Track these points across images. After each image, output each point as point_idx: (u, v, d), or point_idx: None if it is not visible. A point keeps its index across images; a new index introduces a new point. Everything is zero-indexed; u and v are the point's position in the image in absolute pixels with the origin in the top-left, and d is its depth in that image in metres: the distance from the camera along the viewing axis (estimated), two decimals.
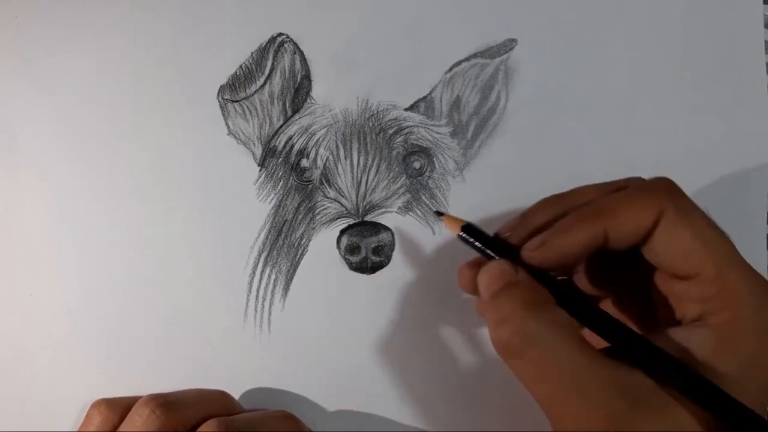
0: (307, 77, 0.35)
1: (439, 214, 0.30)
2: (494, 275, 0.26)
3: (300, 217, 0.35)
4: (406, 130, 0.35)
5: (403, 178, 0.35)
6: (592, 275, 0.29)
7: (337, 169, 0.35)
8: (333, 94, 0.35)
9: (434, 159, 0.35)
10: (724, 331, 0.24)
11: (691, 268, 0.25)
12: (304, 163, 0.35)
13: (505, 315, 0.25)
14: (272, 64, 0.35)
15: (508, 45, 0.35)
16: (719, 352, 0.24)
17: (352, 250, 0.34)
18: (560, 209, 0.27)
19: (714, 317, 0.24)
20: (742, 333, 0.24)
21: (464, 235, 0.28)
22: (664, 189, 0.26)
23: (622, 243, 0.26)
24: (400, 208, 0.35)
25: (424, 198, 0.35)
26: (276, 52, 0.35)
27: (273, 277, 0.35)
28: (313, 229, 0.35)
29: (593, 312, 0.26)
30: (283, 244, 0.35)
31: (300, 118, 0.35)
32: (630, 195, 0.26)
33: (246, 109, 0.35)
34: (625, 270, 0.29)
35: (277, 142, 0.35)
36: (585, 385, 0.23)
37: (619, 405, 0.23)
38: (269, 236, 0.35)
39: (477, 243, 0.27)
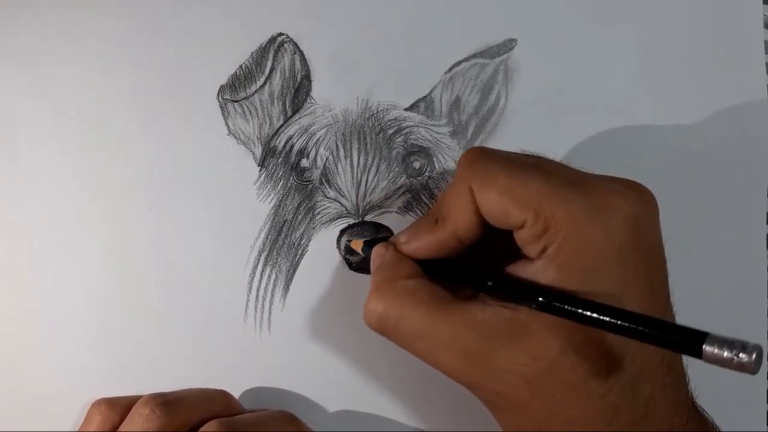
0: (307, 77, 0.35)
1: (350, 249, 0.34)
2: (373, 257, 0.30)
3: (300, 217, 0.35)
4: (406, 130, 0.35)
5: (403, 178, 0.35)
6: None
7: (337, 169, 0.35)
8: (333, 94, 0.35)
9: (434, 159, 0.35)
10: (559, 257, 0.25)
11: (515, 221, 0.26)
12: (304, 163, 0.35)
13: (367, 302, 0.28)
14: (272, 64, 0.35)
15: (508, 45, 0.35)
16: (560, 277, 0.25)
17: (352, 250, 0.34)
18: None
19: (550, 248, 0.25)
20: (574, 254, 0.25)
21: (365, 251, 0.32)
22: (465, 165, 0.27)
23: (472, 231, 0.27)
24: (400, 208, 0.35)
25: (424, 198, 0.35)
26: (276, 52, 0.35)
27: (273, 277, 0.35)
28: (313, 229, 0.35)
29: (451, 268, 0.28)
30: (283, 244, 0.35)
31: (300, 118, 0.35)
32: (449, 188, 0.28)
33: (246, 109, 0.35)
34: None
35: (277, 142, 0.35)
36: (439, 335, 0.26)
37: (472, 340, 0.26)
38: (269, 236, 0.35)
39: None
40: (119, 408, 0.31)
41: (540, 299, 0.25)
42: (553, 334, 0.25)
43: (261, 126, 0.35)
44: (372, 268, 0.30)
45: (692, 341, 0.21)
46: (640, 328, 0.22)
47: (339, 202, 0.35)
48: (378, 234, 0.34)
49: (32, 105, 0.35)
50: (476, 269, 0.27)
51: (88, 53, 0.35)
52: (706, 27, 0.36)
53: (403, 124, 0.35)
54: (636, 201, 0.26)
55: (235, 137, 0.35)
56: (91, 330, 0.34)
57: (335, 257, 0.35)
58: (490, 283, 0.26)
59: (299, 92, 0.35)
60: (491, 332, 0.25)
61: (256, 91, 0.35)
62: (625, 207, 0.25)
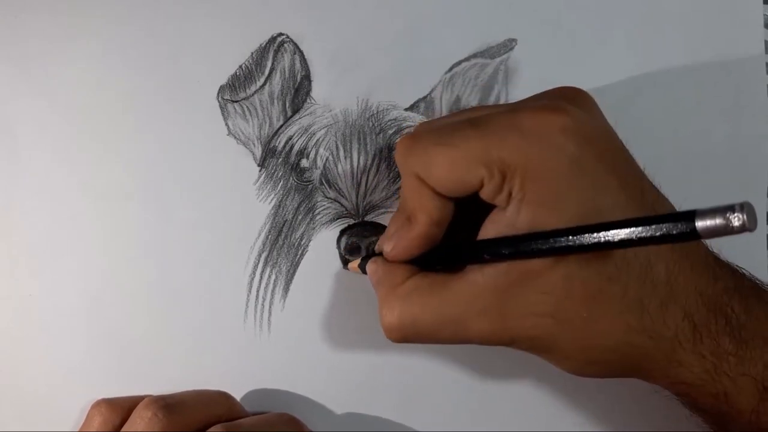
0: (307, 77, 0.35)
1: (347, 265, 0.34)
2: (370, 274, 0.30)
3: (300, 217, 0.35)
4: (406, 130, 0.35)
5: None
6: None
7: (337, 169, 0.35)
8: (333, 94, 0.35)
9: None
10: (524, 195, 0.25)
11: (472, 184, 0.26)
12: (304, 163, 0.35)
13: (382, 321, 0.28)
14: (272, 64, 0.35)
15: (508, 45, 0.35)
16: (534, 213, 0.25)
17: (352, 250, 0.34)
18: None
19: (513, 191, 0.25)
20: (536, 187, 0.25)
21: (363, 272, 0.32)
22: (403, 157, 0.28)
23: (443, 212, 0.28)
24: (363, 260, 0.35)
25: None
26: (276, 52, 0.35)
27: (273, 277, 0.35)
28: (313, 229, 0.35)
29: (442, 258, 0.29)
30: (283, 244, 0.35)
31: (300, 118, 0.35)
32: (402, 185, 0.29)
33: (246, 110, 0.35)
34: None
35: (277, 142, 0.35)
36: (454, 316, 0.27)
37: (485, 306, 0.26)
38: (269, 236, 0.35)
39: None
40: (120, 409, 0.31)
41: (532, 247, 0.25)
42: (552, 264, 0.25)
43: (261, 126, 0.35)
44: (373, 285, 0.30)
45: (683, 225, 0.21)
46: (629, 235, 0.22)
47: (339, 203, 0.35)
48: (378, 234, 0.34)
49: (32, 105, 0.35)
50: (466, 246, 0.28)
51: (88, 53, 0.35)
52: (706, 27, 0.36)
53: (403, 124, 0.35)
54: (573, 107, 0.26)
55: (235, 137, 0.35)
56: (91, 330, 0.34)
57: (335, 257, 0.35)
58: (486, 256, 0.26)
59: (299, 92, 0.35)
60: (498, 289, 0.26)
61: (256, 92, 0.35)
62: (563, 120, 0.25)
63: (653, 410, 0.34)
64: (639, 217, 0.22)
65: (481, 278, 0.26)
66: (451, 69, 0.35)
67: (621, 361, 0.27)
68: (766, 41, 0.36)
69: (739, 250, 0.28)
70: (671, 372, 0.26)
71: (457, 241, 0.28)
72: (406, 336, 0.28)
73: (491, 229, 0.26)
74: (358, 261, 0.33)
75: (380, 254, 0.30)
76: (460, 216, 0.28)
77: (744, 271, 0.28)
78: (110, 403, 0.32)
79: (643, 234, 0.22)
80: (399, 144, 0.28)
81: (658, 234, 0.22)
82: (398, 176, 0.35)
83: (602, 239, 0.23)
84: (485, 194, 0.26)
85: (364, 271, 0.31)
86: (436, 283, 0.27)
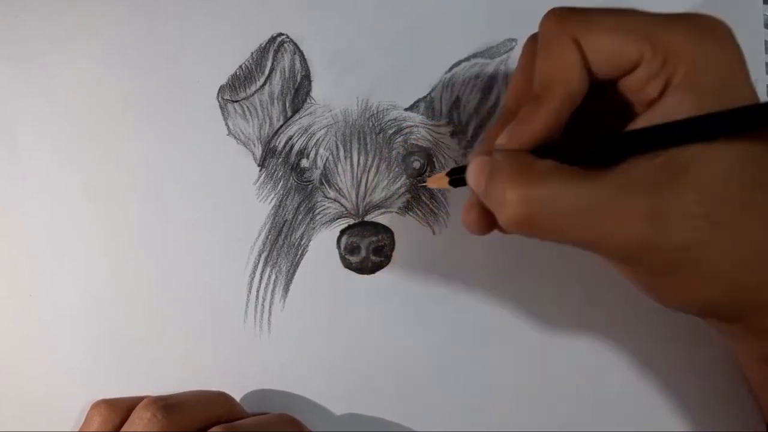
0: (307, 77, 0.35)
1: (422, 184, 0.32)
2: (477, 170, 0.26)
3: (300, 217, 0.35)
4: (405, 130, 0.35)
5: (403, 178, 0.35)
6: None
7: (337, 169, 0.35)
8: (333, 94, 0.35)
9: (434, 159, 0.35)
10: (690, 83, 0.24)
11: (630, 59, 0.25)
12: (304, 163, 0.35)
13: (500, 198, 0.24)
14: (272, 64, 0.35)
15: (508, 45, 0.35)
16: (699, 103, 0.24)
17: (352, 250, 0.34)
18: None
19: (676, 79, 0.24)
20: (705, 75, 0.24)
21: (454, 179, 0.28)
22: (557, 20, 0.26)
23: (583, 89, 0.26)
24: (400, 208, 0.35)
25: (424, 198, 0.35)
26: (276, 52, 0.35)
27: (273, 277, 0.35)
28: (313, 229, 0.35)
29: (576, 144, 0.26)
30: (283, 244, 0.35)
31: (300, 118, 0.35)
32: (543, 53, 0.26)
33: (246, 110, 0.35)
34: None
35: (277, 142, 0.35)
36: (603, 204, 0.23)
37: (640, 199, 0.23)
38: (269, 236, 0.35)
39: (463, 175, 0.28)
40: (119, 409, 0.31)
41: (701, 128, 0.23)
42: (712, 159, 0.24)
43: (261, 126, 0.35)
44: (482, 181, 0.26)
45: None
46: None
47: (339, 203, 0.35)
48: (378, 234, 0.34)
49: (32, 105, 0.35)
50: (620, 136, 0.25)
51: (88, 53, 0.35)
52: None
53: (403, 124, 0.35)
54: (723, 22, 0.25)
55: (235, 137, 0.35)
56: (91, 330, 0.34)
57: (335, 257, 0.35)
58: (647, 139, 0.24)
59: (299, 92, 0.35)
60: (654, 185, 0.23)
61: (256, 92, 0.35)
62: (722, 25, 0.25)
63: (653, 410, 0.34)
64: None
65: (637, 172, 0.24)
66: (451, 69, 0.35)
67: (762, 288, 0.24)
68: (766, 41, 0.36)
69: None
70: None
71: (605, 134, 0.26)
72: (534, 216, 0.24)
73: (645, 123, 0.25)
74: (442, 174, 0.29)
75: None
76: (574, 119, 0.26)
77: None
78: (110, 404, 0.32)
79: None
80: (552, 11, 0.26)
81: None
82: (398, 176, 0.35)
83: None
84: (636, 78, 0.25)
85: (456, 183, 0.28)
86: (579, 172, 0.24)
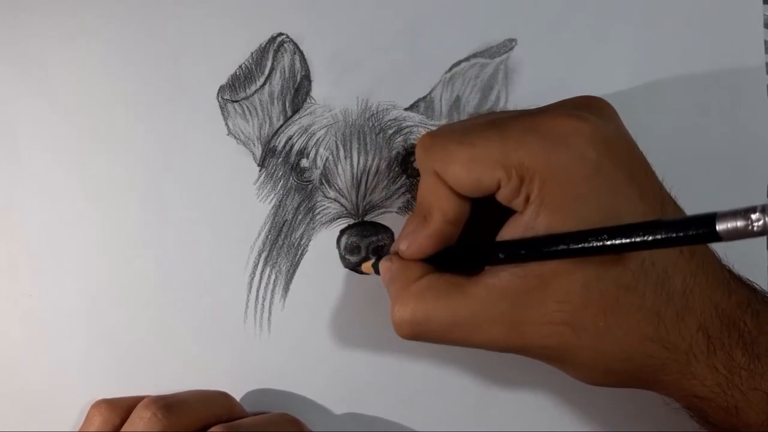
0: (306, 77, 0.35)
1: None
2: (383, 273, 0.30)
3: (300, 217, 0.35)
4: (406, 130, 0.35)
5: (402, 178, 0.35)
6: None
7: (336, 169, 0.35)
8: (333, 94, 0.35)
9: None
10: (543, 199, 0.25)
11: (489, 184, 0.26)
12: (304, 163, 0.35)
13: (391, 312, 0.28)
14: (272, 64, 0.35)
15: (508, 45, 0.35)
16: (552, 217, 0.25)
17: (352, 249, 0.34)
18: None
19: (532, 195, 0.26)
20: (556, 190, 0.25)
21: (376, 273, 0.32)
22: (423, 154, 0.28)
23: (459, 211, 0.28)
24: (400, 208, 0.35)
25: None
26: (276, 52, 0.35)
27: (273, 277, 0.35)
28: (313, 229, 0.35)
29: (458, 255, 0.29)
30: (283, 244, 0.35)
31: (300, 118, 0.35)
32: (420, 183, 0.29)
33: (246, 109, 0.35)
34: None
35: (277, 142, 0.35)
36: (468, 318, 0.27)
37: (499, 310, 0.26)
38: (269, 236, 0.35)
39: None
40: (119, 409, 0.31)
41: (551, 249, 0.25)
42: (569, 271, 0.25)
43: (261, 126, 0.35)
44: (385, 285, 0.30)
45: (704, 227, 0.21)
46: (650, 236, 0.22)
47: (339, 202, 0.35)
48: (378, 234, 0.34)
49: (32, 105, 0.35)
50: (482, 246, 0.28)
51: (88, 53, 0.35)
52: (706, 27, 0.36)
53: (403, 124, 0.35)
54: (594, 116, 0.26)
55: (235, 137, 0.35)
56: (90, 330, 0.34)
57: (335, 257, 0.35)
58: (501, 256, 0.26)
59: (299, 92, 0.35)
60: (514, 295, 0.26)
61: (255, 91, 0.35)
62: (585, 127, 0.26)
63: (653, 412, 0.34)
64: (660, 219, 0.23)
65: (497, 282, 0.26)
66: (451, 69, 0.35)
67: (636, 371, 0.27)
68: (766, 41, 0.36)
69: (739, 252, 0.28)
70: (684, 384, 0.26)
71: (473, 243, 0.28)
72: (417, 333, 0.28)
73: (508, 234, 0.27)
74: (371, 262, 0.33)
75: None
76: (476, 218, 0.28)
77: (756, 285, 0.28)
78: (110, 403, 0.32)
79: (664, 235, 0.22)
80: (420, 141, 0.28)
81: (679, 235, 0.22)
82: (398, 176, 0.35)
83: (623, 241, 0.23)
84: (502, 197, 0.26)
85: (377, 272, 0.31)
86: (452, 284, 0.27)
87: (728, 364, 0.26)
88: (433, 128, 0.35)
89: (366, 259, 0.34)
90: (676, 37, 0.36)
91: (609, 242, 0.23)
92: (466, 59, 0.35)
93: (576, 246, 0.24)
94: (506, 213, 0.27)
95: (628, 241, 0.23)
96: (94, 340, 0.34)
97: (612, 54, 0.35)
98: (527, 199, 0.26)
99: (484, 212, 0.28)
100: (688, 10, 0.36)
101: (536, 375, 0.35)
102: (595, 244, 0.24)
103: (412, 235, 0.29)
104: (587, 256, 0.25)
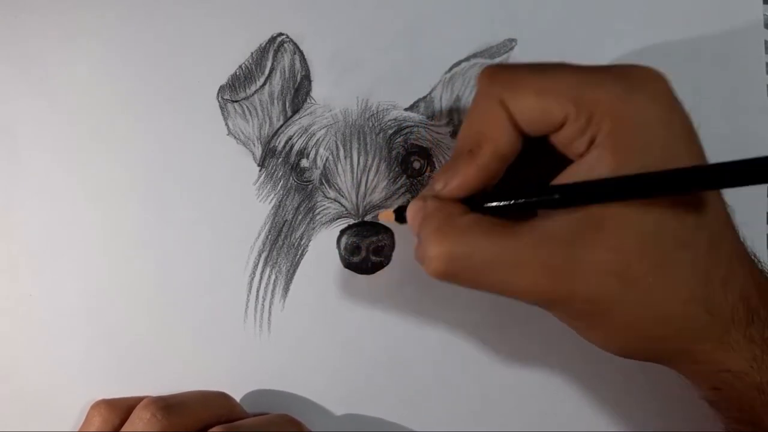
0: (306, 77, 0.35)
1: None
2: (412, 215, 0.27)
3: (300, 217, 0.35)
4: (406, 130, 0.35)
5: (403, 179, 0.35)
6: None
7: (336, 169, 0.35)
8: (333, 94, 0.35)
9: (434, 159, 0.35)
10: (612, 141, 0.24)
11: (556, 118, 0.25)
12: (304, 163, 0.35)
13: (424, 250, 0.26)
14: (272, 64, 0.35)
15: (508, 45, 0.35)
16: (619, 161, 0.24)
17: (352, 250, 0.34)
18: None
19: (599, 136, 0.25)
20: (626, 133, 0.24)
21: (398, 216, 0.30)
22: (488, 80, 0.26)
23: (512, 146, 0.26)
24: (400, 208, 0.35)
25: None
26: (276, 52, 0.35)
27: (273, 277, 0.35)
28: (313, 229, 0.35)
29: (504, 195, 0.26)
30: (283, 245, 0.35)
31: (300, 118, 0.35)
32: (475, 113, 0.27)
33: (246, 110, 0.35)
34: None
35: (277, 142, 0.35)
36: (515, 258, 0.25)
37: (550, 253, 0.25)
38: (269, 236, 0.35)
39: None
40: (119, 410, 0.31)
41: (616, 189, 0.24)
42: (627, 221, 0.24)
43: (261, 126, 0.35)
44: (415, 226, 0.27)
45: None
46: (719, 175, 0.23)
47: (339, 203, 0.35)
48: (378, 234, 0.34)
49: (32, 105, 0.35)
50: (536, 187, 0.26)
51: (88, 53, 0.35)
52: (706, 27, 0.36)
53: (403, 124, 0.35)
54: (659, 74, 0.26)
55: (235, 137, 0.35)
56: (90, 330, 0.34)
57: (335, 257, 0.35)
58: (557, 196, 0.25)
59: (299, 92, 0.35)
60: (566, 240, 0.24)
61: (255, 92, 0.35)
62: (663, 78, 0.25)
63: (654, 412, 0.34)
64: (728, 162, 0.23)
65: (549, 225, 0.25)
66: (451, 69, 0.35)
67: (673, 337, 0.26)
68: (766, 41, 0.36)
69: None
70: (718, 356, 0.26)
71: (524, 184, 0.27)
72: (454, 270, 0.26)
73: (565, 178, 0.25)
74: (391, 209, 0.30)
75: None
76: (517, 166, 0.27)
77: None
78: (110, 404, 0.32)
79: (735, 172, 0.22)
80: (484, 70, 0.27)
81: (750, 171, 0.22)
82: (398, 176, 0.35)
83: (692, 177, 0.23)
84: (562, 136, 0.25)
85: (400, 218, 0.29)
86: (498, 224, 0.25)
87: (762, 337, 0.25)
88: (433, 128, 0.35)
89: (366, 259, 0.34)
90: (676, 36, 0.36)
91: (677, 178, 0.23)
92: (466, 59, 0.35)
93: (639, 185, 0.23)
94: (546, 164, 0.26)
95: (698, 177, 0.23)
96: (94, 340, 0.34)
97: (611, 54, 0.35)
98: (591, 141, 0.25)
99: (525, 160, 0.27)
100: (688, 10, 0.36)
101: (537, 374, 0.35)
102: (661, 181, 0.23)
103: (453, 171, 0.27)
104: (655, 196, 0.24)
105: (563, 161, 0.26)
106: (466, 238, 0.25)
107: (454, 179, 0.26)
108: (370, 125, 0.35)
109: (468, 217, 0.26)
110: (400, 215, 0.29)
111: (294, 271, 0.35)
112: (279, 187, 0.35)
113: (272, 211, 0.35)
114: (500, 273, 0.25)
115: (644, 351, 0.27)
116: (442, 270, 0.26)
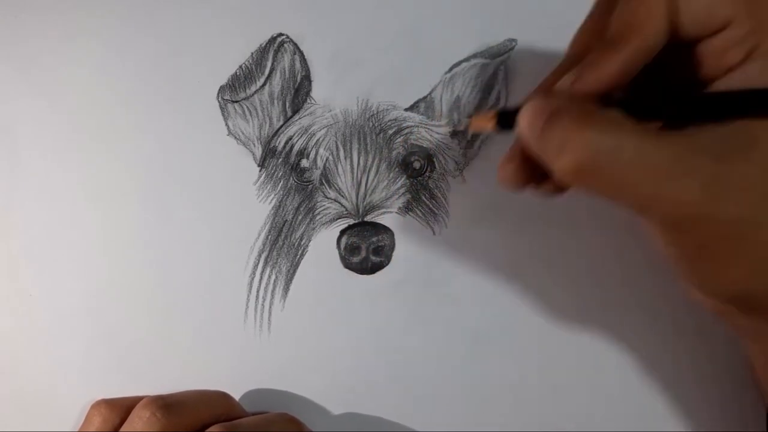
0: (307, 77, 0.35)
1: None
2: (533, 113, 0.24)
3: (300, 217, 0.35)
4: (406, 131, 0.35)
5: (403, 179, 0.35)
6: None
7: (337, 169, 0.35)
8: (333, 95, 0.35)
9: (434, 159, 0.35)
10: None
11: (720, 20, 0.23)
12: (304, 163, 0.35)
13: (560, 142, 0.23)
14: (272, 64, 0.35)
15: (508, 45, 0.35)
16: None
17: (352, 250, 0.34)
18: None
19: (763, 48, 0.23)
20: None
21: (500, 126, 0.26)
22: None
23: (660, 42, 0.24)
24: (400, 208, 0.35)
25: (424, 198, 0.35)
26: (276, 52, 0.35)
27: (273, 277, 0.35)
28: (313, 229, 0.35)
29: (644, 100, 0.24)
30: (283, 245, 0.35)
31: (300, 118, 0.35)
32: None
33: (246, 110, 0.35)
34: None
35: (277, 142, 0.35)
36: (667, 162, 0.22)
37: (704, 164, 0.22)
38: (269, 236, 0.35)
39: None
40: (119, 409, 0.31)
41: None
42: None
43: (261, 126, 0.35)
44: (538, 125, 0.24)
45: None
46: None
47: (339, 203, 0.35)
48: (378, 235, 0.34)
49: (32, 105, 0.35)
50: (695, 95, 0.24)
51: (88, 54, 0.35)
52: None
53: (403, 125, 0.35)
54: None
55: (235, 138, 0.35)
56: (91, 330, 0.35)
57: (335, 257, 0.35)
58: (712, 106, 0.23)
59: (299, 92, 0.35)
60: (719, 153, 0.22)
61: (256, 92, 0.35)
62: None
63: (653, 410, 0.34)
64: None
65: (701, 135, 0.23)
66: (451, 69, 0.35)
67: None
68: None
69: None
70: None
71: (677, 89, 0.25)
72: (597, 164, 0.22)
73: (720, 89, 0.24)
74: (493, 111, 0.27)
75: None
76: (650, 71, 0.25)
77: None
78: (110, 403, 0.32)
79: None
80: None
81: None
82: (398, 176, 0.35)
83: None
84: (721, 40, 0.24)
85: (504, 124, 0.26)
86: (645, 127, 0.23)
87: None
88: (434, 128, 0.35)
89: (366, 259, 0.34)
90: None
91: None
92: (466, 59, 0.35)
93: None
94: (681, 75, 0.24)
95: None
96: (94, 340, 0.35)
97: None
98: (750, 52, 0.23)
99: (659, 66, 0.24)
100: None
101: (537, 375, 0.35)
102: None
103: (589, 63, 0.24)
104: None
105: (695, 78, 0.24)
106: (615, 130, 0.22)
107: (590, 72, 0.24)
108: (370, 125, 0.35)
109: (613, 111, 0.23)
110: (505, 118, 0.26)
111: (294, 271, 0.35)
112: (279, 188, 0.35)
113: (272, 212, 0.35)
114: (649, 177, 0.22)
115: (759, 293, 0.24)
116: (585, 162, 0.22)
